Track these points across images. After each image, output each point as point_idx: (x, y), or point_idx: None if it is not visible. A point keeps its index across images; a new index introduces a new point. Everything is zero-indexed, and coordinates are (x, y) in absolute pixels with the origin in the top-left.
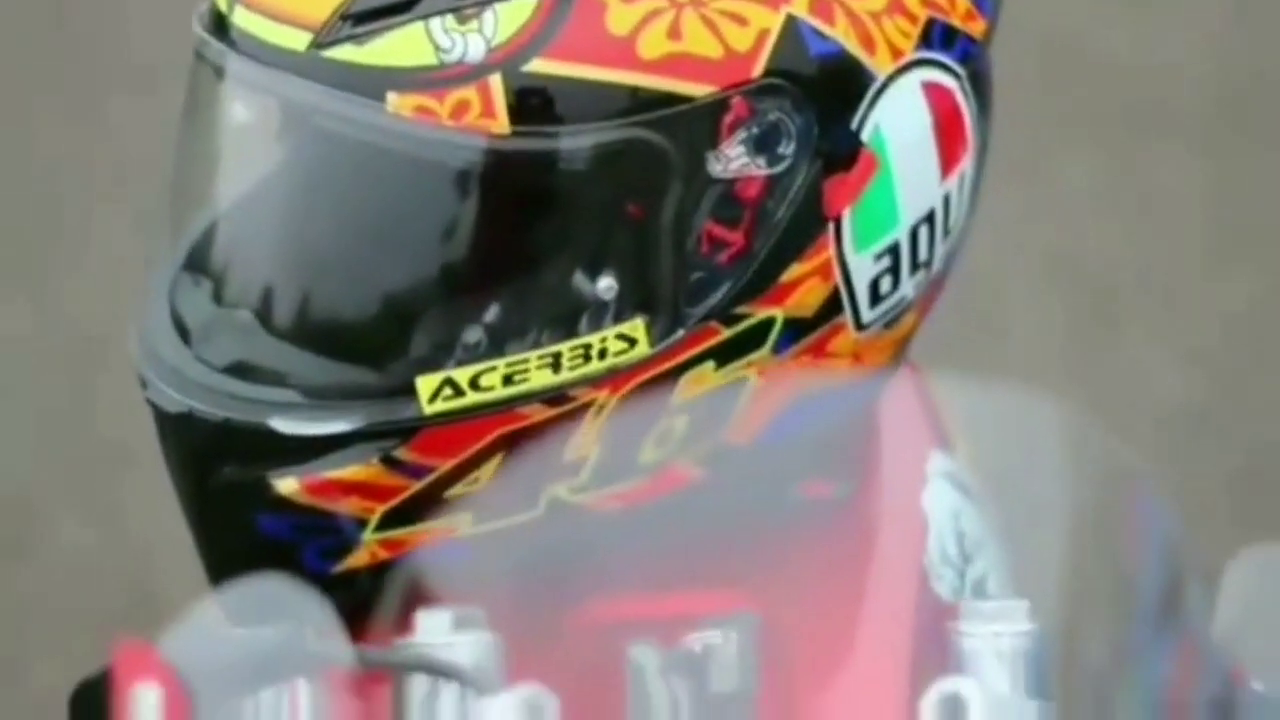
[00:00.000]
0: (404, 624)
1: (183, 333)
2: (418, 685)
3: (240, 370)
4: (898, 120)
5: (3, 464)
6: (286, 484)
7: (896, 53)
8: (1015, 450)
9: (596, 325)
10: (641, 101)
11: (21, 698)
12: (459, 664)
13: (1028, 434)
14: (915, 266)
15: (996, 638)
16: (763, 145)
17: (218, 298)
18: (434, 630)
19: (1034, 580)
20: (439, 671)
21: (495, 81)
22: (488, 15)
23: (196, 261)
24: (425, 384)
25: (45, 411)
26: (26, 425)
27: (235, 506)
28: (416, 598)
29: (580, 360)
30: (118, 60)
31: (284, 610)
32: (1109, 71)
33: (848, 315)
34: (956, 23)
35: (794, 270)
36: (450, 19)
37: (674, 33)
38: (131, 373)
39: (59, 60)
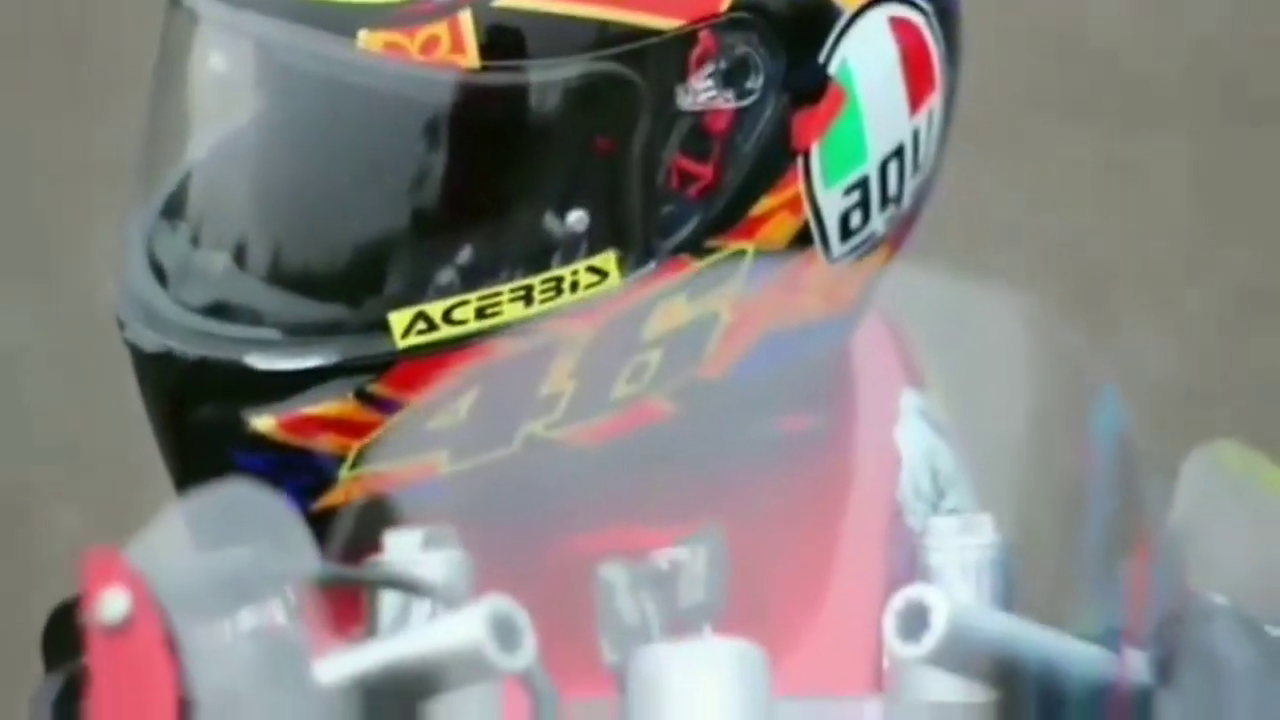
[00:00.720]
0: (359, 551)
1: (160, 276)
2: (389, 602)
3: (217, 310)
4: (865, 54)
5: (2, 459)
6: (263, 421)
7: None
8: (976, 344)
9: (568, 259)
10: (610, 35)
11: (24, 693)
12: (430, 580)
13: (989, 328)
14: (885, 202)
15: (961, 551)
16: (731, 79)
17: (195, 241)
18: (404, 549)
19: (990, 486)
20: (410, 588)
21: (465, 17)
22: None
23: (173, 207)
24: (398, 319)
25: (45, 406)
26: (26, 420)
27: (213, 444)
28: (375, 524)
29: (552, 293)
30: (117, 54)
31: (252, 525)
32: (1104, 55)
33: (818, 249)
34: None
35: (763, 204)
36: None
37: None
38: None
39: (59, 54)
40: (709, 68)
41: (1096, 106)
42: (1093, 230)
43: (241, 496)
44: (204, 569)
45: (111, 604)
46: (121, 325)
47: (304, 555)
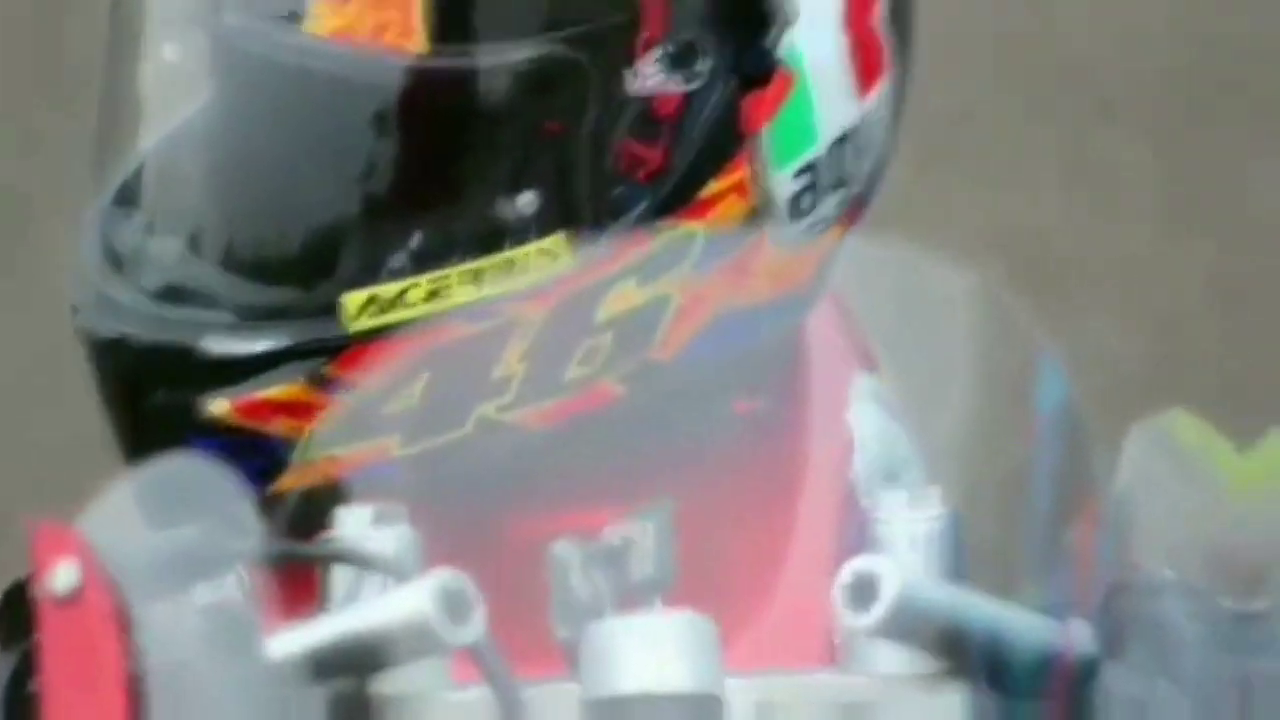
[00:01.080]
0: (311, 529)
1: (114, 263)
2: (341, 578)
3: (170, 295)
4: (814, 38)
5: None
6: (217, 405)
7: None
8: (923, 319)
9: (519, 242)
10: (558, 19)
11: None
12: (382, 555)
13: (936, 302)
14: (836, 184)
15: (910, 523)
16: (679, 62)
17: (149, 227)
18: (354, 525)
19: (938, 458)
20: (362, 563)
21: (414, 1)
22: None
23: (127, 195)
24: (350, 301)
25: (35, 398)
26: (25, 420)
27: (167, 429)
28: (326, 503)
29: (502, 275)
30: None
31: (201, 501)
32: (1069, 50)
33: (768, 232)
34: None
35: (713, 186)
36: None
37: None
38: None
39: (44, 47)
40: (657, 51)
41: (1061, 101)
42: (1057, 226)
43: (189, 472)
44: (154, 544)
45: (62, 575)
46: (75, 311)
47: (253, 531)
